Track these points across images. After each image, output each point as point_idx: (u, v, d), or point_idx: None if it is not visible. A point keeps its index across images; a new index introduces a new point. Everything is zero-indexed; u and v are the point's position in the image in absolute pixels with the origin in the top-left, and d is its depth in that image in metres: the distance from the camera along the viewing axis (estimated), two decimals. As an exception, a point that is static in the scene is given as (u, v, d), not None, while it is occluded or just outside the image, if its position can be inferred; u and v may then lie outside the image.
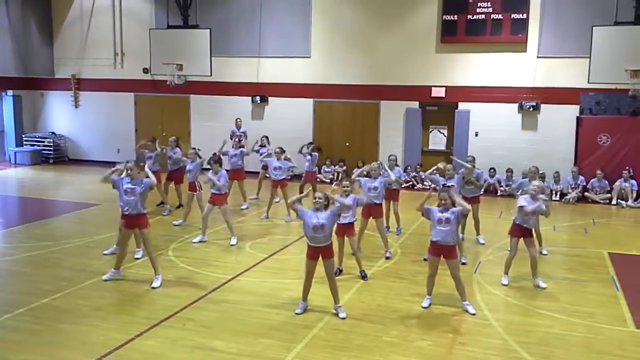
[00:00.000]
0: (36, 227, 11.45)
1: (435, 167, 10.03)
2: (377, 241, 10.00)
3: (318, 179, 17.57)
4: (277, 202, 13.11)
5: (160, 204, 13.03)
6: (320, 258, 7.07)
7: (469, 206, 7.66)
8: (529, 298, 7.97)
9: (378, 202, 9.51)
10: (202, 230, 10.56)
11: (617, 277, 8.92)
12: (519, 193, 9.34)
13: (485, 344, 6.50)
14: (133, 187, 7.94)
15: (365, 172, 9.79)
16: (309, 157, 13.40)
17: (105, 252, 9.49)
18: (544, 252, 10.04)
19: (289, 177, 14.03)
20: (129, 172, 8.11)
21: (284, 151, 12.53)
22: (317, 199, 7.06)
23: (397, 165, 11.29)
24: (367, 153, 17.77)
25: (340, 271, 8.64)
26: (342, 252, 8.68)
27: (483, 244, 10.53)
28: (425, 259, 9.40)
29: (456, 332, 6.79)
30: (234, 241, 10.33)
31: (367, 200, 9.13)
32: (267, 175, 13.44)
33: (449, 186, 8.76)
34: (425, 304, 7.53)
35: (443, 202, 7.30)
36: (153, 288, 7.97)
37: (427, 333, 6.73)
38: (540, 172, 12.16)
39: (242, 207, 13.31)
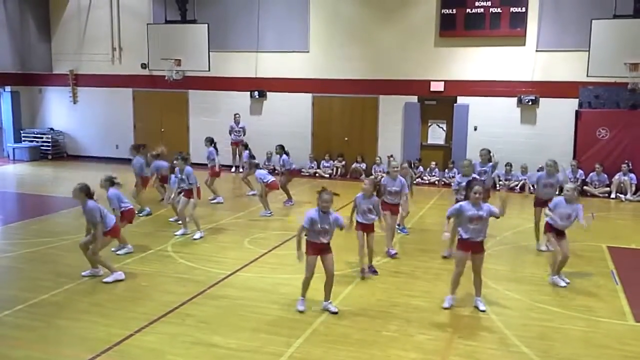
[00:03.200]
0: (35, 223, 11.44)
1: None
2: (377, 236, 9.98)
3: (317, 175, 17.67)
4: (253, 193, 13.52)
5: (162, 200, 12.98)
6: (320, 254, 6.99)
7: (501, 211, 7.16)
8: (528, 292, 7.97)
9: (397, 203, 9.44)
10: (197, 225, 10.54)
11: (616, 270, 8.92)
12: (533, 185, 9.77)
13: (485, 338, 6.51)
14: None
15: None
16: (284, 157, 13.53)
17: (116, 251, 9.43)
18: (543, 247, 9.82)
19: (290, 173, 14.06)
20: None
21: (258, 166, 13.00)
22: (325, 203, 6.79)
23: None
24: (366, 148, 17.77)
25: (375, 271, 8.58)
26: (364, 251, 8.46)
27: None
28: (445, 257, 9.34)
29: (455, 327, 6.78)
30: (180, 232, 10.47)
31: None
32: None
33: (482, 180, 8.22)
34: (446, 305, 7.29)
35: (477, 196, 6.97)
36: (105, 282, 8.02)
37: (426, 327, 6.73)
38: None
39: (211, 199, 13.40)
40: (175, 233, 10.54)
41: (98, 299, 7.43)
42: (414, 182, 12.00)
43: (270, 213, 12.22)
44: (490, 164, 10.65)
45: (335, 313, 7.01)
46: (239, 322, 6.79)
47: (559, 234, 8.17)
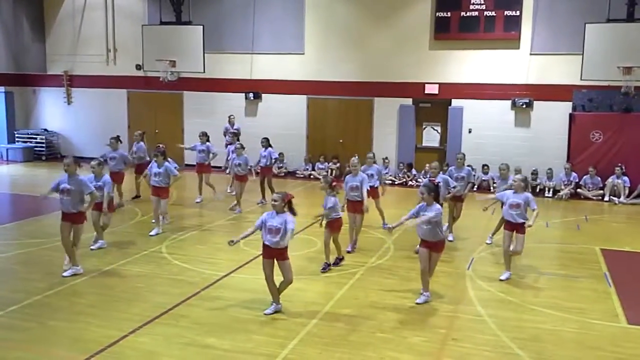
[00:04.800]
0: (28, 224, 11.41)
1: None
2: (372, 237, 10.00)
3: (312, 176, 17.67)
4: (229, 192, 13.61)
5: (135, 197, 13.36)
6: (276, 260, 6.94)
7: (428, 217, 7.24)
8: (521, 294, 8.00)
9: (360, 199, 9.52)
10: (156, 222, 10.71)
11: (609, 273, 8.96)
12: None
13: (478, 340, 6.52)
14: (69, 187, 7.95)
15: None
16: (264, 152, 13.55)
17: (92, 247, 9.55)
18: (488, 241, 10.37)
19: (283, 174, 13.97)
20: (65, 168, 8.01)
21: (243, 147, 12.75)
22: (274, 201, 6.85)
23: (375, 162, 11.25)
24: (360, 150, 17.66)
25: (328, 265, 8.73)
26: (329, 248, 8.70)
27: (451, 240, 10.40)
28: (416, 252, 9.44)
29: (449, 328, 6.80)
30: (153, 232, 10.48)
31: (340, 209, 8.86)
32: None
33: (436, 184, 8.09)
34: (420, 300, 7.49)
35: (421, 196, 7.38)
36: (64, 276, 8.10)
37: (420, 329, 6.74)
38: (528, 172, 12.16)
39: (214, 198, 13.52)
40: (150, 233, 10.58)
41: (91, 300, 7.41)
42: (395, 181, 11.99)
43: (238, 211, 12.46)
44: (467, 168, 10.71)
45: (267, 314, 6.95)
46: (233, 323, 6.78)
47: (517, 229, 8.37)
